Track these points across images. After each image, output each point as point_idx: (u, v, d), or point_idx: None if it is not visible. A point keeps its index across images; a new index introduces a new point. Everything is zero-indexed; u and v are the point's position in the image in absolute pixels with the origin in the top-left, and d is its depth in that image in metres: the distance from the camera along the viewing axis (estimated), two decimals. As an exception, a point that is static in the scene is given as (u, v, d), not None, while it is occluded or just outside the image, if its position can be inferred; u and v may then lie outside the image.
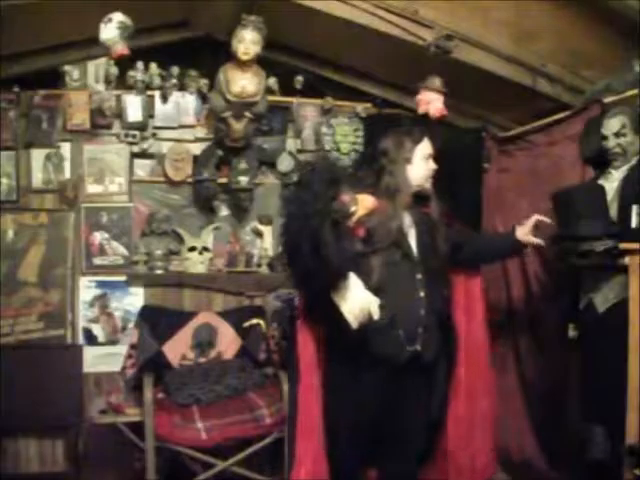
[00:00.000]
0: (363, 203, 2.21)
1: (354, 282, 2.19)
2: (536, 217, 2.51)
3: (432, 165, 2.45)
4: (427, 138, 2.46)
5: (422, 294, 2.32)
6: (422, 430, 2.44)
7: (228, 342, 3.58)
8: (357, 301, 2.16)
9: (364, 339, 2.25)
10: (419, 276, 2.34)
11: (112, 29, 2.88)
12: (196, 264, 3.62)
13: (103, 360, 3.55)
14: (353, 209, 2.17)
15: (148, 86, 3.59)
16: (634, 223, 2.55)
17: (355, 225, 2.21)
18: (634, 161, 2.72)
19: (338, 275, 2.16)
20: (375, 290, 2.22)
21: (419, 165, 2.42)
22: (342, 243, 2.11)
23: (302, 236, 2.09)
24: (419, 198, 2.47)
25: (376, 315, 2.17)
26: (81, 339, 3.54)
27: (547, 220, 2.54)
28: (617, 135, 2.71)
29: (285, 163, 3.79)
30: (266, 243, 3.78)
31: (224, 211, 3.82)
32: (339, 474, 2.38)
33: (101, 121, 3.55)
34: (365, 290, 2.18)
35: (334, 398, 2.39)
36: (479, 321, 2.68)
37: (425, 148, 2.45)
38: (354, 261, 2.20)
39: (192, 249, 3.63)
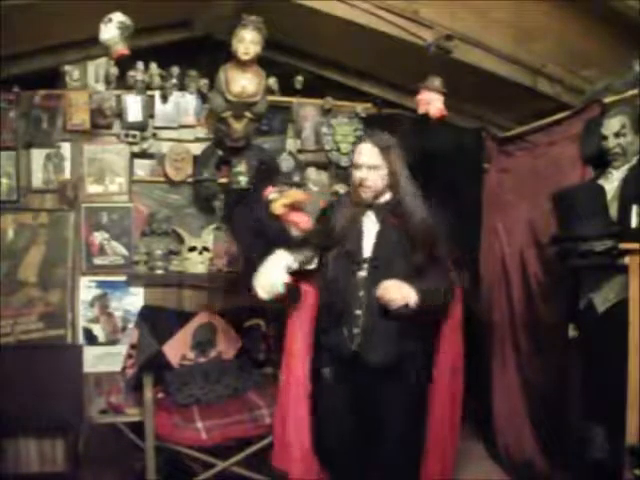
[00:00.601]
0: (289, 194, 2.53)
1: (273, 259, 2.42)
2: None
3: (361, 174, 2.38)
4: (367, 147, 2.42)
5: (361, 293, 2.30)
6: (386, 433, 2.35)
7: (228, 342, 3.58)
8: (266, 275, 2.39)
9: (322, 333, 2.38)
10: (362, 274, 2.33)
11: (112, 29, 2.87)
12: (196, 264, 3.62)
13: (103, 360, 3.54)
14: (271, 197, 2.52)
15: (148, 86, 3.59)
16: (634, 223, 2.55)
17: (283, 213, 2.52)
18: (634, 161, 2.72)
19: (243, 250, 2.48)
20: (328, 282, 2.39)
21: (352, 172, 2.46)
22: (249, 225, 2.43)
23: None
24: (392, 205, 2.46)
25: (280, 289, 2.37)
26: (81, 339, 3.54)
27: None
28: (617, 135, 2.71)
29: (285, 163, 3.79)
30: (266, 243, 3.78)
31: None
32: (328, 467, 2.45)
33: (101, 121, 3.55)
34: (281, 266, 2.40)
35: (313, 391, 2.48)
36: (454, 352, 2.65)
37: (356, 156, 2.44)
38: (275, 241, 2.47)
39: (192, 249, 3.63)
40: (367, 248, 2.37)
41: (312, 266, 2.51)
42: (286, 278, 2.39)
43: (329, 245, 2.41)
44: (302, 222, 2.47)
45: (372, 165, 2.39)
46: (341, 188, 3.73)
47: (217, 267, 3.72)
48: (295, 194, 2.55)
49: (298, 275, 2.52)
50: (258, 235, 2.44)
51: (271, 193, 2.53)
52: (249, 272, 2.48)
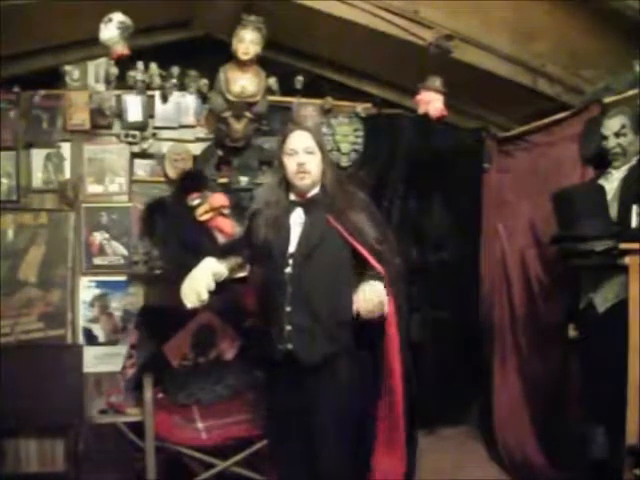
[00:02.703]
0: (211, 200, 2.45)
1: (203, 266, 2.27)
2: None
3: (299, 159, 2.28)
4: (299, 131, 2.34)
5: (290, 290, 2.22)
6: (322, 434, 2.22)
7: (228, 342, 3.57)
8: (191, 281, 2.25)
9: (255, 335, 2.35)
10: (288, 270, 2.23)
11: (112, 29, 2.88)
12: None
13: (103, 360, 3.54)
14: (195, 203, 2.45)
15: (148, 86, 3.59)
16: (634, 223, 2.56)
17: (208, 219, 2.44)
18: (634, 161, 2.72)
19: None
20: (258, 285, 2.33)
21: (286, 161, 2.33)
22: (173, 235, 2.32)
23: None
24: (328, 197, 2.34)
25: (204, 297, 2.22)
26: (81, 339, 3.54)
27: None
28: (617, 135, 2.71)
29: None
30: (266, 243, 3.77)
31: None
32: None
33: (101, 121, 3.55)
34: (207, 273, 2.25)
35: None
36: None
37: (290, 143, 2.33)
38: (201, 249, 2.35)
39: (192, 249, 3.62)
40: (293, 244, 2.28)
41: (243, 273, 2.41)
42: (212, 286, 2.25)
43: (257, 248, 2.33)
44: (226, 228, 2.42)
45: (309, 149, 2.30)
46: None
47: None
48: (218, 199, 2.47)
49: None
50: (183, 244, 2.33)
51: (194, 199, 2.46)
52: (176, 281, 2.34)
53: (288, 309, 2.22)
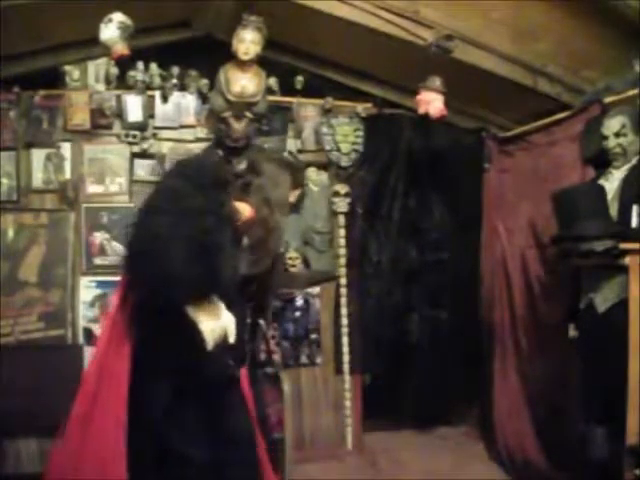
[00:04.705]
0: (243, 212, 2.12)
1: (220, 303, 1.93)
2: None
3: None
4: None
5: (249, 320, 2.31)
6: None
7: (228, 342, 3.57)
8: (222, 321, 1.90)
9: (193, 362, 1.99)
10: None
11: (112, 29, 2.88)
12: (196, 264, 3.61)
13: (103, 360, 3.54)
14: (239, 216, 2.06)
15: (148, 86, 3.59)
16: (634, 223, 2.56)
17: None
18: (634, 161, 2.72)
19: (220, 285, 1.86)
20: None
21: None
22: (234, 251, 1.92)
23: (179, 236, 1.80)
24: None
25: (232, 338, 1.92)
26: (81, 339, 3.54)
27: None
28: (617, 135, 2.72)
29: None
30: (266, 243, 3.77)
31: (224, 211, 3.81)
32: None
33: (101, 121, 3.55)
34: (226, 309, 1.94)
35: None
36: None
37: None
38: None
39: (192, 249, 3.61)
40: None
41: None
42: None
43: None
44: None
45: None
46: (342, 188, 3.74)
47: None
48: (246, 212, 2.15)
49: None
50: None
51: (237, 211, 2.03)
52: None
53: (246, 336, 2.29)
